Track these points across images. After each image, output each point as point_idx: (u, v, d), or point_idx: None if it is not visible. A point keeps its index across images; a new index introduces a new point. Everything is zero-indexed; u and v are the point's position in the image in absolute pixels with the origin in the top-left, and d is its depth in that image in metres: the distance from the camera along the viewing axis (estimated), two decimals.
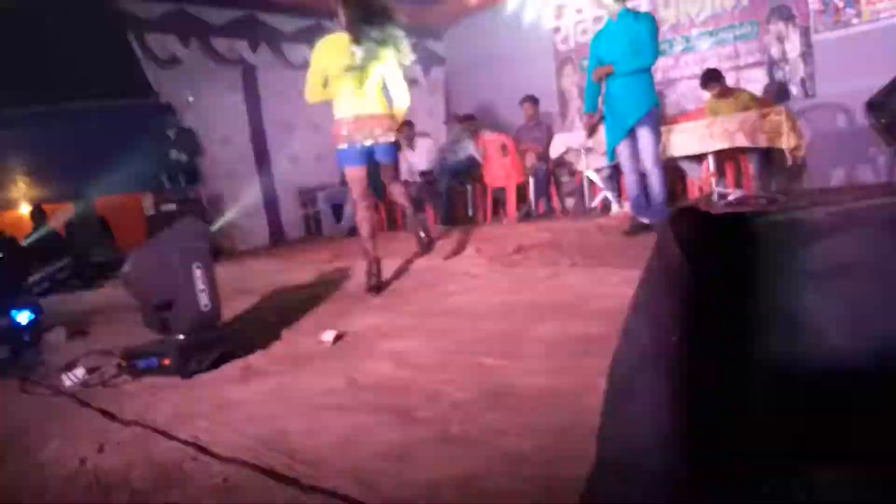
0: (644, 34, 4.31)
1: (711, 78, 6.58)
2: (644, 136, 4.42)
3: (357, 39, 3.65)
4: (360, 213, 3.93)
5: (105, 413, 2.00)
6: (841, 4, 6.97)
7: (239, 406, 1.92)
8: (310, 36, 8.43)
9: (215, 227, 2.51)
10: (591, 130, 4.85)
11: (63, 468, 1.68)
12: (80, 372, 2.43)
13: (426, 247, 4.15)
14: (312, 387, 2.03)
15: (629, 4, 4.57)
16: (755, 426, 0.77)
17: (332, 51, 3.74)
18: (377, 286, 3.79)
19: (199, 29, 7.56)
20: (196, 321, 2.41)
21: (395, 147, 4.16)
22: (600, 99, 4.74)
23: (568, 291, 3.07)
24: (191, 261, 2.38)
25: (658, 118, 4.54)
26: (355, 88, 3.76)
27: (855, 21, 6.91)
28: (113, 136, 6.44)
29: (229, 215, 2.66)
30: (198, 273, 2.37)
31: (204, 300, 2.38)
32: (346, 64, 3.69)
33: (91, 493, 1.54)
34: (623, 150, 4.60)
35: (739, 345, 0.78)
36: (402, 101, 3.99)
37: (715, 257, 0.85)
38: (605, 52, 4.54)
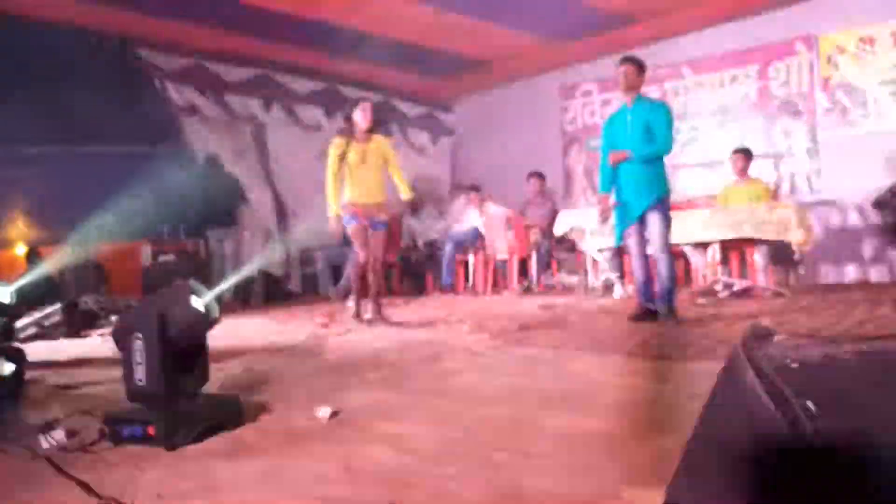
0: (660, 123, 4.31)
1: (743, 150, 6.63)
2: (654, 222, 4.37)
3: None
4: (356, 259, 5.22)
5: (82, 484, 1.85)
6: (849, 105, 7.08)
7: (228, 488, 1.78)
8: (323, 99, 8.55)
9: (210, 295, 2.34)
10: (605, 216, 4.69)
11: None
12: (59, 434, 2.27)
13: (358, 322, 5.15)
14: (306, 471, 1.89)
15: (641, 90, 4.57)
16: None
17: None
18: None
19: (214, 84, 7.66)
20: (130, 395, 2.27)
21: (385, 226, 5.31)
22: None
23: (577, 378, 2.96)
24: (131, 331, 2.24)
25: (668, 205, 4.49)
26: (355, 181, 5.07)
27: (861, 121, 7.00)
28: (120, 181, 6.36)
29: (233, 280, 2.53)
30: (137, 344, 2.22)
31: (139, 374, 2.22)
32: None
33: None
34: (631, 234, 4.56)
35: (825, 488, 0.69)
36: (403, 191, 5.27)
37: (789, 385, 0.76)
38: (618, 137, 4.53)
